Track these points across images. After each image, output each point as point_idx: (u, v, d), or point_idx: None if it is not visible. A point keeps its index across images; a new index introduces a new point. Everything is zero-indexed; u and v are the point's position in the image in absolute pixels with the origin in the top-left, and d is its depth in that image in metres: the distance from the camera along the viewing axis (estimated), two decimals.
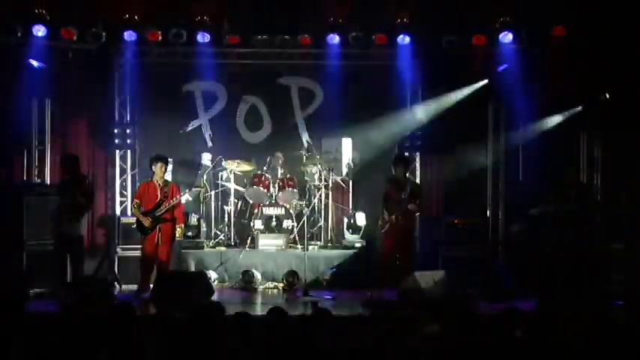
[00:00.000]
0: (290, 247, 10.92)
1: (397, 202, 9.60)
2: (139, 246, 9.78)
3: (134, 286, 9.66)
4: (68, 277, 9.23)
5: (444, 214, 10.92)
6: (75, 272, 9.24)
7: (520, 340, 4.82)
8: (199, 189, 10.47)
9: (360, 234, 11.03)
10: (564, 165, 9.48)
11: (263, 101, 12.13)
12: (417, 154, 11.74)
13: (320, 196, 11.43)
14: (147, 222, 9.44)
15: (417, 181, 11.36)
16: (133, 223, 9.92)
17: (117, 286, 9.78)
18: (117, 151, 11.51)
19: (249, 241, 10.96)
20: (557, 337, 4.88)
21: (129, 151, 11.59)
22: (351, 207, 11.63)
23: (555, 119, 10.94)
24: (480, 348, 4.59)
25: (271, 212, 11.09)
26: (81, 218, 9.33)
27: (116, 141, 11.45)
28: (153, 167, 9.59)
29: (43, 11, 10.30)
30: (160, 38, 10.81)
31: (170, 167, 10.26)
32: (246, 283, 10.23)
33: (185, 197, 9.90)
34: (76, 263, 9.29)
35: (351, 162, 11.64)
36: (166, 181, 9.71)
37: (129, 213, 10.86)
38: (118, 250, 10.50)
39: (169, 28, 10.79)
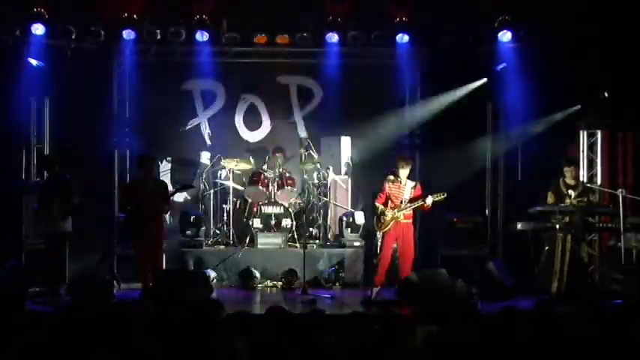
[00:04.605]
0: (289, 245, 10.91)
1: (396, 202, 9.30)
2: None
3: (133, 285, 9.64)
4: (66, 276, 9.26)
5: (444, 214, 10.90)
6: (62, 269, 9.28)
7: (520, 340, 4.81)
8: (193, 187, 10.42)
9: (359, 233, 11.01)
10: (563, 164, 9.45)
11: (262, 100, 12.14)
12: (417, 153, 11.72)
13: (319, 194, 11.43)
14: (138, 221, 9.37)
15: (416, 180, 11.31)
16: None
17: (116, 284, 9.77)
18: (115, 150, 11.49)
19: (248, 240, 10.98)
20: (557, 336, 4.87)
21: (127, 150, 11.56)
22: (349, 206, 11.61)
23: (554, 118, 10.92)
24: (480, 348, 4.58)
25: (270, 211, 11.08)
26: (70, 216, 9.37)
27: (115, 139, 11.46)
28: (142, 167, 9.45)
29: (42, 10, 10.29)
30: (159, 37, 10.82)
31: (169, 166, 10.24)
32: (245, 281, 10.23)
33: (178, 195, 9.81)
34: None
35: (349, 160, 11.62)
36: (156, 180, 9.66)
37: None
38: (117, 248, 10.48)
39: (168, 27, 10.81)
